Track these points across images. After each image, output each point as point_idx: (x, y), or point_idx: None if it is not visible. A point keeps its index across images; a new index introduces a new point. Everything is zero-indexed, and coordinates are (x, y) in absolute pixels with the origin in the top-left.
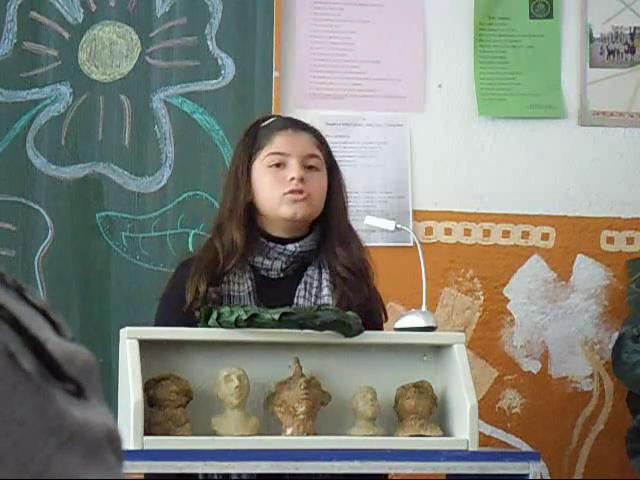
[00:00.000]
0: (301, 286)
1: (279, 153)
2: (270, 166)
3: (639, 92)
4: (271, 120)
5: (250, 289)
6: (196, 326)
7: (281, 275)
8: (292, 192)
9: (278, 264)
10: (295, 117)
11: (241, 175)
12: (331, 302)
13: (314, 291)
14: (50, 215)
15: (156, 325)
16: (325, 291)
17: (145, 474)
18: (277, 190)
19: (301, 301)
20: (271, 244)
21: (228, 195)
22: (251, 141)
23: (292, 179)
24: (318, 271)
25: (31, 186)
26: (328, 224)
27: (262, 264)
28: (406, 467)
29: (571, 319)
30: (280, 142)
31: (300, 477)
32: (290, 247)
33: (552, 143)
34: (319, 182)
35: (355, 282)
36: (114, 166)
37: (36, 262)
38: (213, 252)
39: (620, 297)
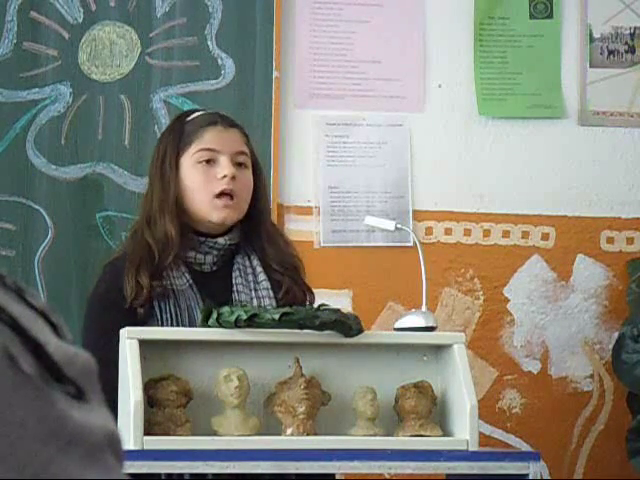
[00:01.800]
0: (236, 274)
1: (210, 149)
2: (200, 162)
3: (639, 92)
4: (197, 115)
5: (190, 282)
6: (140, 324)
7: (214, 268)
8: (223, 194)
9: (210, 258)
10: (224, 113)
11: (169, 169)
12: (268, 287)
13: (250, 277)
14: (50, 215)
15: (94, 333)
16: (261, 276)
17: None
18: (208, 190)
19: (240, 288)
20: (201, 238)
21: (155, 188)
22: (178, 135)
23: (224, 177)
24: (247, 258)
25: (31, 186)
26: (254, 224)
27: (195, 259)
28: (406, 467)
29: (571, 319)
30: (210, 138)
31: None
32: (221, 241)
33: (552, 143)
34: (248, 180)
35: (293, 275)
36: (114, 166)
37: (36, 262)
38: (145, 246)
39: (620, 297)
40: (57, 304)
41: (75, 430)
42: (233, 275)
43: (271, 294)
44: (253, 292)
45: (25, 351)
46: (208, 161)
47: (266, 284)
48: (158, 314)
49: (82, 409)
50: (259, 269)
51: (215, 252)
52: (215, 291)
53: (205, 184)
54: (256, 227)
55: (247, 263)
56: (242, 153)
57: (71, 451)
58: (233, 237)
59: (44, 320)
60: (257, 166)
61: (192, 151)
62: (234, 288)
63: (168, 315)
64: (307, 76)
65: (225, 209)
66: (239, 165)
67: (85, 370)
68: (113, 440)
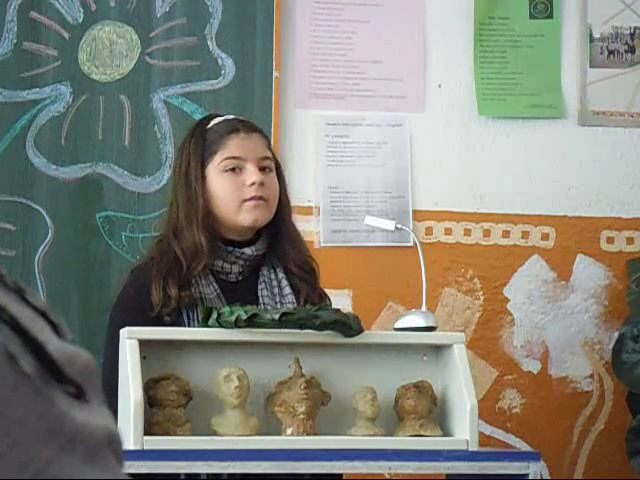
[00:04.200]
0: (262, 286)
1: (235, 157)
2: (226, 170)
3: (639, 92)
4: (217, 122)
5: (217, 291)
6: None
7: (239, 278)
8: (252, 199)
9: (236, 268)
10: (245, 118)
11: (195, 180)
12: (294, 300)
13: (276, 290)
14: (50, 215)
15: (113, 338)
16: (287, 290)
17: None
18: (236, 196)
19: (267, 300)
20: (229, 248)
21: (180, 199)
22: (200, 144)
23: (252, 184)
24: (273, 270)
25: (31, 186)
26: (278, 225)
27: (222, 268)
28: (406, 467)
29: (571, 319)
30: (234, 146)
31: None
32: (248, 251)
33: (552, 143)
34: (274, 183)
35: (310, 280)
36: (114, 166)
37: (36, 262)
38: (173, 256)
39: (620, 297)
40: (57, 304)
41: (75, 429)
42: (259, 287)
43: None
44: (279, 305)
45: (25, 351)
46: (234, 169)
47: (291, 297)
48: (186, 322)
49: (82, 409)
50: (284, 282)
51: (242, 262)
52: (242, 301)
53: (234, 191)
54: (279, 230)
55: (272, 276)
56: (266, 158)
57: (71, 450)
58: (260, 247)
59: (44, 320)
60: (279, 168)
61: (217, 160)
62: (260, 300)
63: (196, 323)
64: (307, 76)
65: (255, 210)
66: (264, 169)
67: (85, 370)
68: (113, 440)
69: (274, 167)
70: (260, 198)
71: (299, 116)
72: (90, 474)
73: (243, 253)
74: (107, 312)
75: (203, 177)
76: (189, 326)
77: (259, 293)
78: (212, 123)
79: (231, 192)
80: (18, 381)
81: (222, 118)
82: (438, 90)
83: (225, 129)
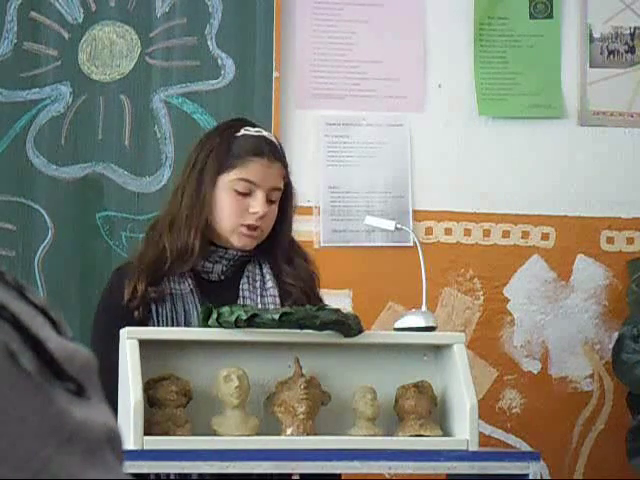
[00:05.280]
0: (244, 280)
1: (250, 182)
2: (236, 189)
3: (639, 92)
4: (246, 134)
5: (191, 287)
6: (134, 326)
7: (222, 277)
8: (249, 227)
9: (219, 267)
10: (270, 139)
11: (207, 187)
12: (276, 294)
13: (258, 284)
14: (50, 215)
15: (96, 335)
16: (269, 284)
17: None
18: (236, 218)
19: (247, 294)
20: (212, 248)
21: (187, 196)
22: (224, 152)
23: (255, 213)
24: (258, 266)
25: (31, 186)
26: (275, 240)
27: (203, 267)
28: (406, 467)
29: (571, 319)
30: (254, 170)
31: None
32: (231, 251)
33: (552, 143)
34: (273, 215)
35: (305, 288)
36: (114, 166)
37: (36, 262)
38: (159, 249)
39: (620, 297)
40: (57, 304)
41: (75, 427)
42: (241, 282)
43: (277, 301)
44: (259, 298)
45: (25, 348)
46: (245, 191)
47: (273, 291)
48: (155, 318)
49: (82, 406)
50: (268, 277)
51: (225, 262)
52: (221, 300)
53: (236, 213)
54: (275, 244)
55: (257, 271)
56: (277, 189)
57: (71, 448)
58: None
59: (44, 317)
60: (287, 185)
61: (232, 176)
62: (240, 294)
63: (164, 318)
64: (307, 76)
65: (247, 238)
66: (270, 201)
67: (85, 367)
68: (113, 437)
69: (280, 197)
70: (256, 229)
71: (299, 116)
72: (89, 473)
73: (227, 252)
74: None
75: (214, 183)
76: (157, 322)
77: (240, 287)
78: (242, 132)
79: (233, 212)
80: (18, 378)
81: (252, 132)
82: (438, 90)
83: (252, 148)
